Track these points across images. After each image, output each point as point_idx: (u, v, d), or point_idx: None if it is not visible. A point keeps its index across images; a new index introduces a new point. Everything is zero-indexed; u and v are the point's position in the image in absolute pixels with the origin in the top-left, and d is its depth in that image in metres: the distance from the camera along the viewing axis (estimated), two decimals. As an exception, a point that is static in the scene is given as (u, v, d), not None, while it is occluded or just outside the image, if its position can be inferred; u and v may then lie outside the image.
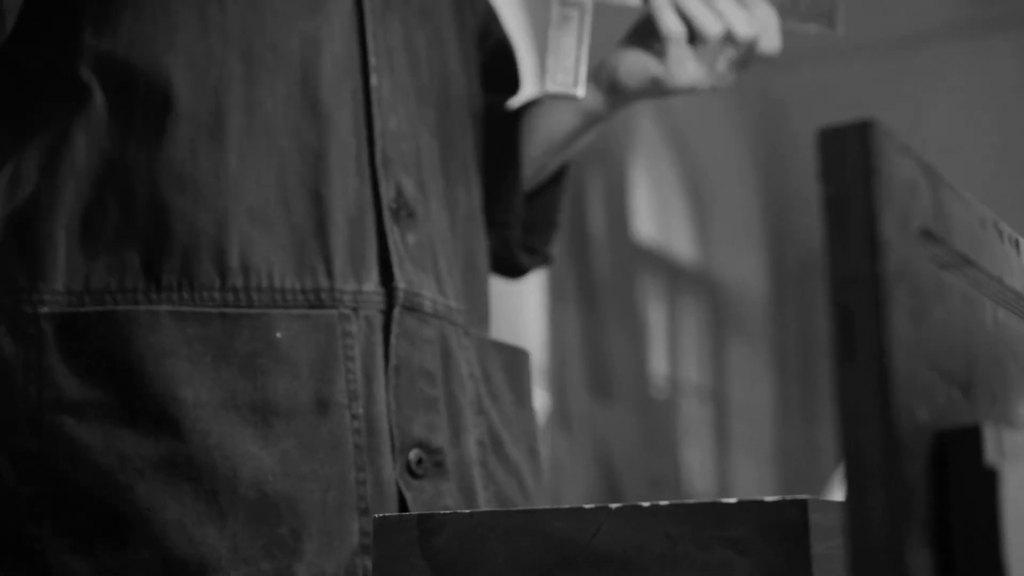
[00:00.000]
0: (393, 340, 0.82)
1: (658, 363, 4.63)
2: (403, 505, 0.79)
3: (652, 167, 4.76)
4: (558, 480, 3.24)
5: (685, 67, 0.91)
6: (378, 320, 0.81)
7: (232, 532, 0.74)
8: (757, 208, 5.18)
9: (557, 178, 1.03)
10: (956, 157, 4.49)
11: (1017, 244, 0.49)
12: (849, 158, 0.37)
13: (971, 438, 0.38)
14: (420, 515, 0.59)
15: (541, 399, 3.06)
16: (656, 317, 4.63)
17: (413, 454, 0.81)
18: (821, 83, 4.92)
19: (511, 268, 1.04)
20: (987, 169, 4.55)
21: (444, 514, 0.58)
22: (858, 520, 0.35)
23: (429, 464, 0.81)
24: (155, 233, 0.78)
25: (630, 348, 4.05)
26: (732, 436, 4.96)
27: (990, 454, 0.37)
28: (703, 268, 5.09)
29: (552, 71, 0.88)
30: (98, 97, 0.78)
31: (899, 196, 0.38)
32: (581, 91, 0.89)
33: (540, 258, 1.05)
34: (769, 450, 5.00)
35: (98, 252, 0.77)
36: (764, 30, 0.90)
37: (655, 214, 4.73)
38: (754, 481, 4.85)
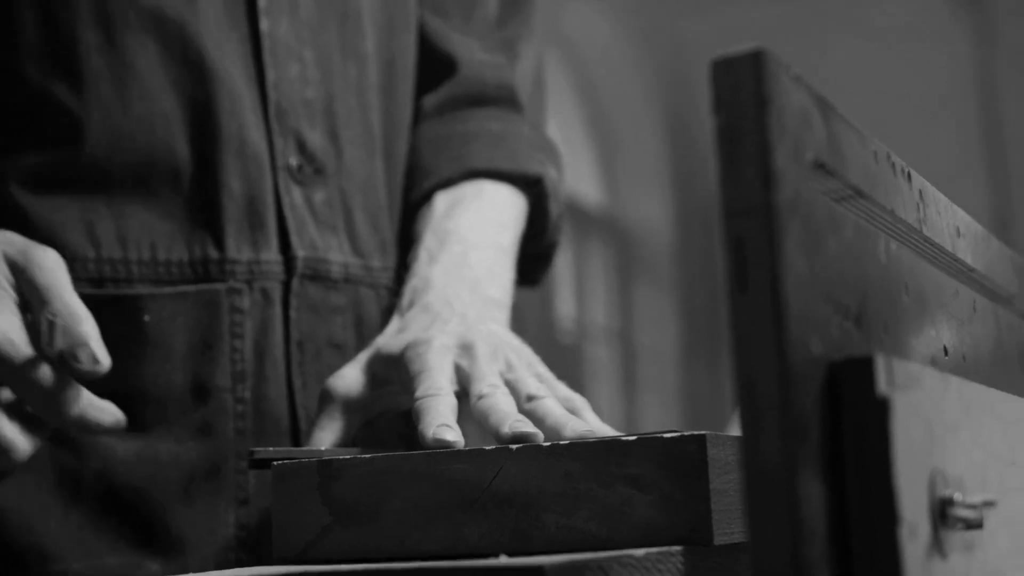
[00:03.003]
0: (293, 313, 0.76)
1: (565, 307, 4.66)
2: None
3: (558, 111, 4.75)
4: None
5: None
6: (277, 292, 0.75)
7: (76, 524, 0.70)
8: (663, 152, 5.22)
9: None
10: (858, 97, 4.56)
11: (909, 176, 0.49)
12: (742, 88, 0.37)
13: (863, 369, 0.38)
14: (320, 461, 0.58)
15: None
16: (562, 261, 4.65)
17: None
18: (727, 26, 4.95)
19: None
20: (888, 107, 4.62)
21: (344, 459, 0.57)
22: (753, 451, 0.35)
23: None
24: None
25: (536, 292, 4.06)
26: (638, 378, 5.02)
27: (881, 385, 0.38)
28: (609, 212, 5.12)
29: None
30: None
31: (792, 127, 0.38)
32: None
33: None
34: (675, 392, 5.07)
35: None
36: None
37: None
38: (660, 422, 4.92)
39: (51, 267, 0.64)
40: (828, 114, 0.41)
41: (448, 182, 0.85)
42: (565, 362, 4.44)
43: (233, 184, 0.74)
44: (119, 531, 0.71)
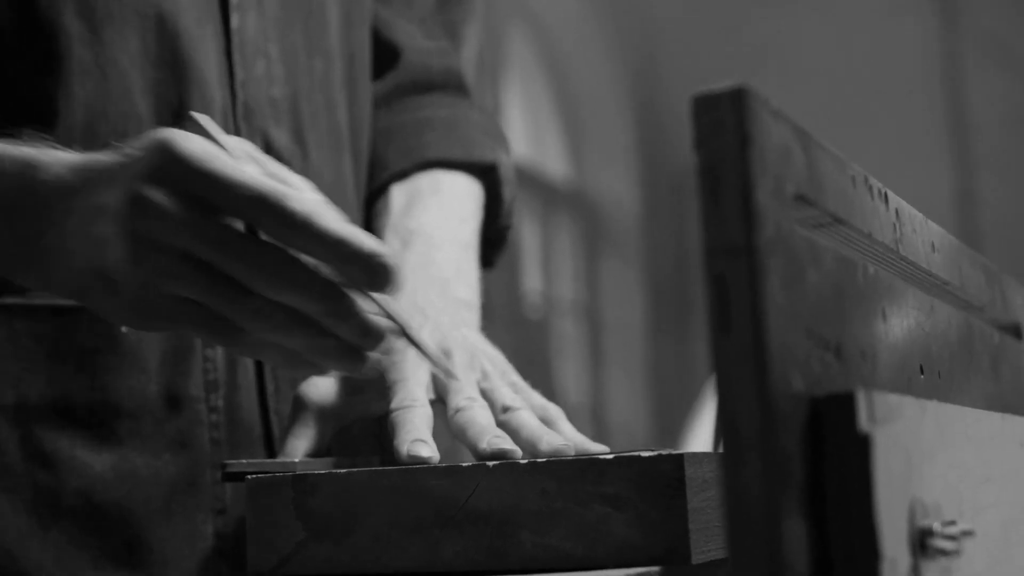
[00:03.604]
0: None
1: (532, 281, 4.66)
2: None
3: (525, 85, 4.73)
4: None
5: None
6: None
7: (56, 544, 0.69)
8: (630, 126, 5.21)
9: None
10: (826, 76, 4.57)
11: (886, 197, 0.49)
12: (723, 127, 0.36)
13: (844, 405, 0.38)
14: (295, 476, 0.58)
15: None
16: (529, 236, 4.64)
17: None
18: (694, 2, 4.94)
19: None
20: (855, 85, 4.63)
21: (320, 474, 0.57)
22: (736, 492, 0.35)
23: None
24: None
25: (504, 267, 4.06)
26: (606, 353, 5.03)
27: (863, 421, 0.38)
28: (576, 186, 5.12)
29: None
30: None
31: (773, 163, 0.38)
32: None
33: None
34: (642, 366, 5.09)
35: None
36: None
37: (528, 132, 4.72)
38: (627, 397, 4.94)
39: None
40: (807, 145, 0.41)
41: (402, 174, 0.84)
42: (532, 337, 4.44)
43: None
44: (101, 549, 0.70)
